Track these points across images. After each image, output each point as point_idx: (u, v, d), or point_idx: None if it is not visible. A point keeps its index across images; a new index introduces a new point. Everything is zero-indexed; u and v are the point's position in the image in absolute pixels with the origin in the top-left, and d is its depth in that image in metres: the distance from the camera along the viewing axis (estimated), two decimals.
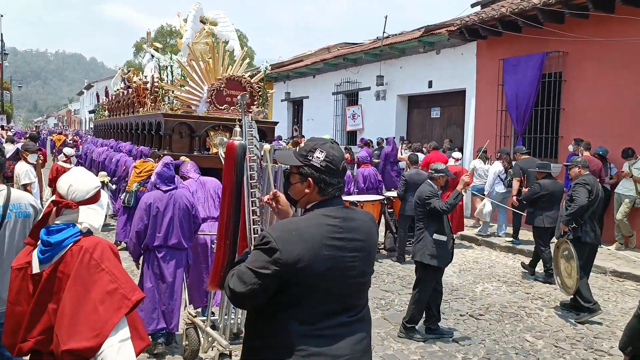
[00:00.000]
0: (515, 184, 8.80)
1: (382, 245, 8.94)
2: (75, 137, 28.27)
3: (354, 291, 2.08)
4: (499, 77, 11.13)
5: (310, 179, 2.06)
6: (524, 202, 7.68)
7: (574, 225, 6.05)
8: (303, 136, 16.93)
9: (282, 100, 20.79)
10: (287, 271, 1.89)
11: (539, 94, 10.34)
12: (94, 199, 2.50)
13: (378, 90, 14.99)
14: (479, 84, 11.94)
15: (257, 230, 3.39)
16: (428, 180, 5.49)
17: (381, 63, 14.89)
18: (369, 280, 2.19)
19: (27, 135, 17.45)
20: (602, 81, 9.50)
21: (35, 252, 2.34)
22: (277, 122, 11.10)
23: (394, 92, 14.66)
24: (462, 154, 12.33)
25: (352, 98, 16.62)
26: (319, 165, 2.05)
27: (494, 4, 11.86)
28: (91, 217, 2.47)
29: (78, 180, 2.48)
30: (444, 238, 5.20)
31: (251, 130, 3.67)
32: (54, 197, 2.48)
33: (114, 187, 10.59)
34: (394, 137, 13.42)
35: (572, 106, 10.03)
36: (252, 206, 3.43)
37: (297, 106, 20.54)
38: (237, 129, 3.62)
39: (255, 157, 3.54)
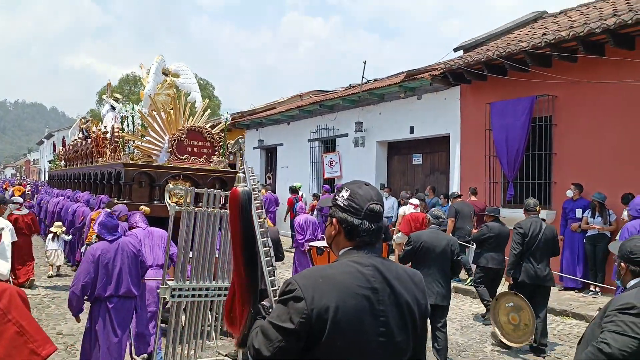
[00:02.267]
0: (450, 224, 9.55)
1: None
2: (31, 189, 27.09)
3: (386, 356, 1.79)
4: (486, 121, 10.80)
5: (334, 219, 1.92)
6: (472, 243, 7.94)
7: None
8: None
9: (254, 148, 20.19)
10: (314, 321, 1.68)
11: (529, 138, 10.02)
12: None
13: (356, 137, 14.56)
14: (464, 129, 11.60)
15: (274, 282, 2.98)
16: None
17: (359, 109, 14.53)
18: (407, 350, 1.85)
19: None
20: (595, 124, 9.23)
21: None
22: (237, 172, 10.28)
23: (373, 139, 14.24)
24: (448, 200, 11.93)
25: (329, 145, 16.13)
26: (342, 204, 1.90)
27: (477, 48, 11.68)
28: None
29: None
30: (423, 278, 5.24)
31: (253, 176, 3.29)
32: None
33: (68, 237, 10.49)
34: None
35: (564, 150, 9.70)
36: (266, 256, 3.06)
37: (270, 153, 19.95)
38: (241, 174, 3.22)
39: (259, 204, 3.20)
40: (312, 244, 8.62)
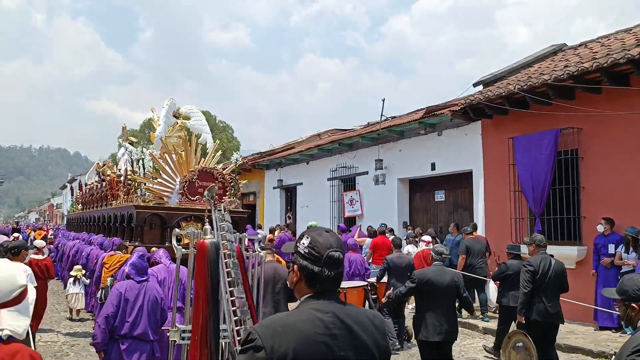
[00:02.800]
0: (461, 260, 9.74)
1: None
2: (54, 233, 27.37)
3: None
4: (510, 156, 10.59)
5: (296, 266, 1.93)
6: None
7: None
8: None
9: (274, 188, 20.15)
10: None
11: (555, 172, 9.76)
12: (19, 299, 2.22)
13: (377, 174, 14.41)
14: (487, 165, 11.38)
15: (240, 331, 3.13)
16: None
17: (379, 147, 14.42)
18: None
19: None
20: (623, 156, 8.95)
21: None
22: (249, 212, 11.50)
23: (394, 176, 14.07)
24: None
25: (348, 183, 15.99)
26: (302, 252, 1.91)
27: (497, 82, 11.56)
28: (14, 321, 2.19)
29: (2, 279, 2.19)
30: (429, 315, 5.37)
31: (223, 223, 3.39)
32: None
33: (87, 281, 10.29)
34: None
35: (592, 184, 9.41)
36: (232, 306, 3.23)
37: (289, 193, 19.87)
38: (207, 226, 3.41)
39: (230, 252, 3.30)
40: None
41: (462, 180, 12.45)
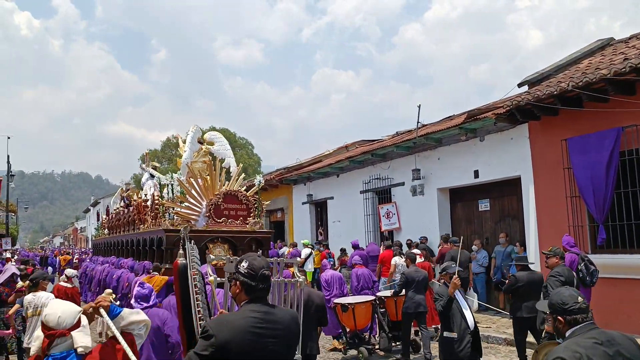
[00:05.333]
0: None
1: (377, 346, 9.04)
2: (79, 257, 27.38)
3: None
4: (564, 159, 9.80)
5: (238, 282, 2.78)
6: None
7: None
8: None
9: (303, 203, 19.51)
10: (220, 352, 2.53)
11: (618, 174, 8.96)
12: (79, 323, 2.87)
13: (414, 185, 13.69)
14: (537, 169, 10.60)
15: (202, 325, 3.90)
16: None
17: (415, 156, 13.72)
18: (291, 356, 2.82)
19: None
20: None
21: None
22: (273, 232, 12.31)
23: (433, 186, 13.33)
24: (526, 247, 10.89)
25: (383, 195, 15.26)
26: (243, 272, 2.76)
27: (544, 81, 10.81)
28: (84, 339, 2.85)
29: (64, 311, 2.86)
30: (452, 335, 5.43)
31: (193, 252, 4.43)
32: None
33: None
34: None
35: None
36: (197, 307, 4.13)
37: (319, 208, 19.21)
38: (181, 251, 4.47)
39: (197, 272, 4.28)
40: (336, 300, 8.95)
41: (509, 187, 11.67)
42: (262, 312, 2.67)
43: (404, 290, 8.63)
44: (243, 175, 10.96)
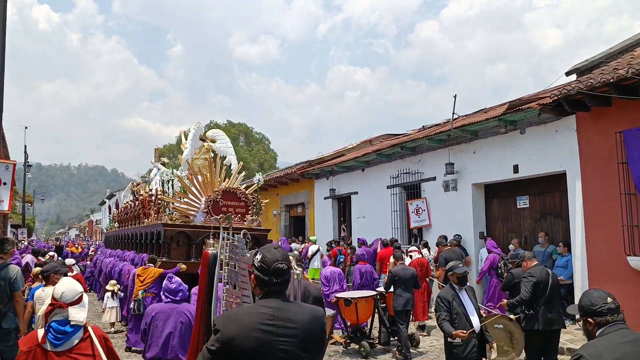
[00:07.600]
0: (441, 272, 10.25)
1: (377, 341, 9.25)
2: (94, 249, 27.21)
3: None
4: (618, 153, 9.05)
5: (252, 275, 2.64)
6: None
7: (527, 314, 6.42)
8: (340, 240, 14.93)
9: (325, 198, 18.88)
10: (225, 347, 2.41)
11: None
12: (79, 301, 3.38)
13: (447, 180, 13.00)
14: (586, 164, 9.85)
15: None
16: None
17: (449, 149, 13.02)
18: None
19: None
20: None
21: (47, 338, 3.20)
22: (270, 230, 11.82)
23: (468, 181, 12.62)
24: (571, 248, 10.16)
25: (413, 191, 14.57)
26: (256, 265, 2.61)
27: (594, 70, 10.06)
28: (77, 314, 3.31)
29: (68, 288, 3.39)
30: (457, 340, 5.29)
31: (229, 240, 3.92)
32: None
33: (122, 294, 10.81)
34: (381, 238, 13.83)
35: None
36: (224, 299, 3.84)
37: (342, 203, 18.56)
38: (211, 240, 4.97)
39: (230, 262, 3.86)
40: (338, 295, 9.28)
41: (551, 183, 10.95)
42: (274, 308, 2.49)
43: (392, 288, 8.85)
44: (243, 173, 11.23)
